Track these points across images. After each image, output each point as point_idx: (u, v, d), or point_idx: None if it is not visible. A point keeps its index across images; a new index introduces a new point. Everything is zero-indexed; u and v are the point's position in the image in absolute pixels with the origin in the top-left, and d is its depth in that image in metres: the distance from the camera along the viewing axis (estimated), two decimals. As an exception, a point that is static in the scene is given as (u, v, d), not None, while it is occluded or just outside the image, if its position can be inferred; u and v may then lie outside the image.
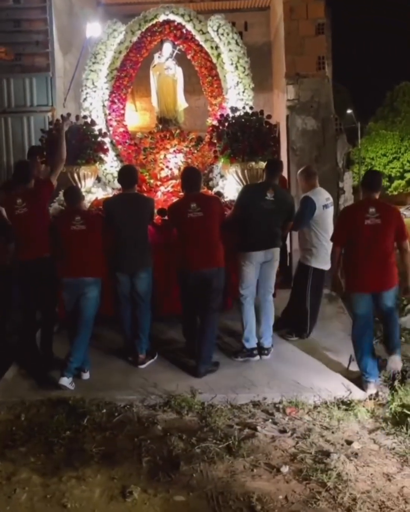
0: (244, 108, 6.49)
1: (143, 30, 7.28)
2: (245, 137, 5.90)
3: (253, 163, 6.00)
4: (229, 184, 6.61)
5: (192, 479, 3.31)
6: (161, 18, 7.22)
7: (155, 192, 6.75)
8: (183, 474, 3.36)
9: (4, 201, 5.07)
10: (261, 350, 5.07)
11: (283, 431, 3.91)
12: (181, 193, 5.44)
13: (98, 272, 4.75)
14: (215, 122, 6.73)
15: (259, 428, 3.95)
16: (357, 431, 3.90)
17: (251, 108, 6.36)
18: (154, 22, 7.27)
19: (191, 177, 4.97)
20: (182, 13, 7.15)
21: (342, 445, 3.70)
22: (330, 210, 5.47)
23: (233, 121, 6.15)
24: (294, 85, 7.15)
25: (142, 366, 4.95)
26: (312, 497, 3.09)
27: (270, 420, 4.09)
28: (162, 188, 6.83)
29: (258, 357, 5.03)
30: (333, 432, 3.87)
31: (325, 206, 5.35)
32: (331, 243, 5.21)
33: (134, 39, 7.32)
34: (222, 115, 6.50)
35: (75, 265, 4.68)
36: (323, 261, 5.33)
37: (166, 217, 5.46)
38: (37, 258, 4.80)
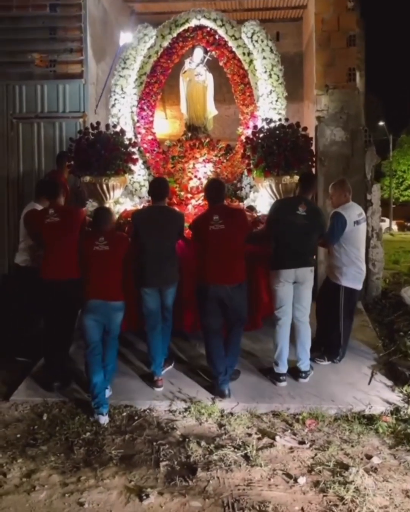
0: (279, 120, 6.27)
1: (174, 35, 7.20)
2: (281, 151, 5.70)
3: (288, 177, 5.78)
4: (261, 197, 6.46)
5: (209, 486, 3.32)
6: (193, 22, 7.11)
7: (186, 205, 6.65)
8: (200, 480, 3.38)
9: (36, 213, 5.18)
10: (299, 372, 4.86)
11: (302, 442, 3.89)
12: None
13: (122, 294, 4.59)
14: (248, 132, 6.56)
15: (277, 438, 3.94)
16: (377, 446, 3.86)
17: (287, 120, 6.17)
18: (185, 27, 7.17)
19: (215, 189, 4.87)
20: (214, 18, 7.05)
21: (361, 459, 3.67)
22: (363, 226, 5.23)
23: (267, 133, 5.94)
24: (324, 96, 7.13)
25: (159, 389, 4.72)
26: (328, 509, 3.07)
27: (289, 431, 4.08)
28: (193, 201, 6.73)
29: (284, 383, 4.77)
30: (352, 446, 3.84)
31: (357, 223, 5.09)
32: (363, 261, 5.13)
33: (165, 43, 7.24)
34: (255, 126, 6.32)
35: (99, 287, 4.48)
36: (354, 280, 5.11)
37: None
38: (68, 279, 4.75)
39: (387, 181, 41.26)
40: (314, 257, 5.18)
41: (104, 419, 4.20)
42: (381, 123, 40.44)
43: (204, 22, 7.11)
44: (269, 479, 3.40)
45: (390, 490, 3.28)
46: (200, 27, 7.17)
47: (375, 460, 3.63)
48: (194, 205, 6.65)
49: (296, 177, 5.71)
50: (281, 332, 4.82)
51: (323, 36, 7.27)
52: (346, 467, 3.52)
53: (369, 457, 3.69)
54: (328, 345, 5.27)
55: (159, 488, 3.30)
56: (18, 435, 4.03)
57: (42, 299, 4.87)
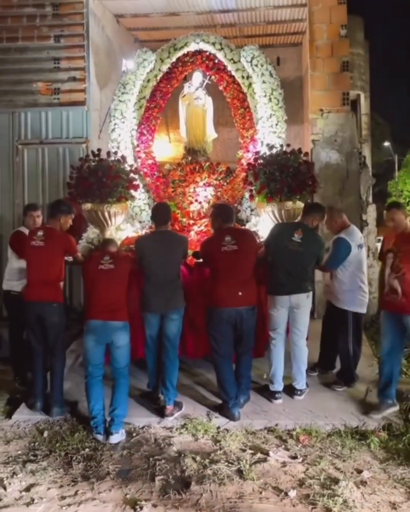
0: (281, 146, 6.30)
1: (173, 59, 7.21)
2: (283, 177, 5.73)
3: (290, 203, 5.79)
4: (263, 222, 6.41)
5: (201, 498, 3.42)
6: (192, 46, 7.10)
7: (188, 231, 6.65)
8: (194, 493, 3.48)
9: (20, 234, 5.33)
10: (294, 390, 4.95)
11: (294, 457, 3.99)
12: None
13: (126, 315, 4.56)
14: (249, 156, 6.63)
15: (271, 453, 4.04)
16: (368, 461, 3.95)
17: (288, 145, 6.20)
18: (185, 50, 7.17)
19: (225, 211, 4.92)
20: (213, 41, 7.04)
21: (352, 473, 3.76)
22: (364, 250, 5.33)
23: (269, 158, 5.95)
24: (319, 119, 7.34)
25: (170, 418, 4.63)
26: (316, 521, 3.17)
27: (283, 446, 4.18)
28: (195, 228, 6.75)
29: (280, 401, 4.86)
30: (344, 461, 3.93)
31: (360, 246, 5.16)
32: (367, 285, 5.20)
33: (164, 68, 7.20)
34: (257, 152, 6.31)
35: (102, 306, 4.47)
36: (360, 304, 5.16)
37: (201, 260, 5.22)
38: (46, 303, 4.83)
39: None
40: (312, 283, 5.20)
41: (101, 438, 4.30)
42: (386, 144, 40.81)
43: (203, 45, 7.09)
44: (260, 493, 3.50)
45: (378, 502, 3.37)
46: (200, 52, 7.17)
47: (365, 474, 3.72)
48: (197, 231, 6.67)
49: (299, 203, 5.78)
50: (276, 351, 4.90)
51: (317, 62, 7.51)
52: (336, 481, 3.62)
53: (359, 471, 3.78)
54: (340, 371, 5.31)
55: (154, 500, 3.41)
56: (19, 451, 4.16)
57: (24, 319, 4.96)
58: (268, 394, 4.94)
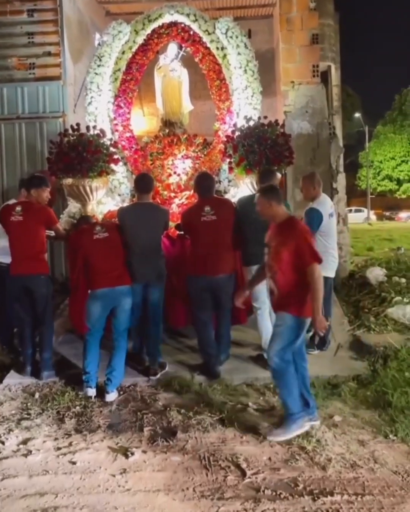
0: (259, 118, 6.35)
1: (148, 31, 7.18)
2: (261, 149, 5.81)
3: None
4: (241, 193, 6.29)
5: (187, 444, 3.72)
6: (166, 17, 7.11)
7: (170, 204, 6.72)
8: (180, 440, 3.78)
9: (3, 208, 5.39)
10: None
11: (272, 407, 4.31)
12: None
13: (129, 279, 4.75)
14: (226, 128, 6.71)
15: (250, 404, 4.36)
16: (339, 407, 4.28)
17: (265, 117, 6.26)
18: (159, 22, 7.17)
19: (206, 182, 5.03)
20: (187, 13, 7.07)
21: (324, 418, 4.09)
22: (334, 217, 5.51)
23: (247, 131, 6.02)
24: (290, 91, 7.54)
25: (155, 378, 4.89)
26: (292, 458, 3.50)
27: (261, 398, 4.50)
28: (176, 200, 6.81)
29: None
30: (317, 408, 4.25)
31: (330, 215, 5.34)
32: (336, 251, 5.41)
33: (139, 39, 7.18)
34: (235, 125, 6.38)
35: (107, 273, 4.64)
36: (329, 269, 5.28)
37: (182, 232, 5.40)
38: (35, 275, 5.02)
39: (364, 172, 42.01)
40: None
41: (92, 392, 4.57)
42: (357, 115, 41.19)
43: (177, 17, 7.10)
44: (241, 437, 3.81)
45: (348, 441, 3.71)
46: (175, 24, 7.16)
47: (337, 418, 4.06)
48: (178, 204, 6.77)
49: (278, 174, 5.82)
50: (263, 321, 5.04)
51: (287, 34, 7.66)
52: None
53: (331, 416, 4.11)
54: (313, 336, 5.41)
55: (143, 447, 3.70)
56: (13, 411, 4.40)
57: (10, 293, 5.18)
58: (265, 363, 4.84)
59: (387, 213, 41.51)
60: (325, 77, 16.89)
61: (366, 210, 37.99)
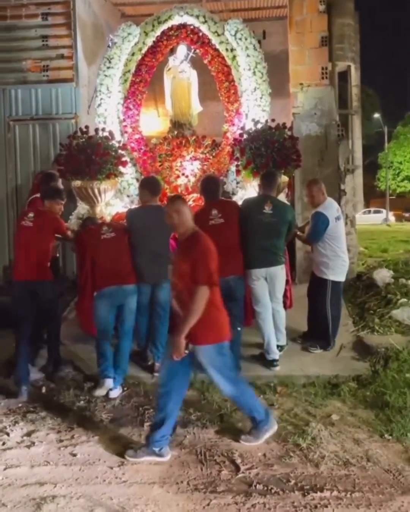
0: (266, 121, 6.41)
1: (158, 32, 7.25)
2: (269, 152, 5.86)
3: None
4: (249, 195, 6.27)
5: (185, 439, 3.83)
6: (176, 19, 7.18)
7: None
8: (178, 435, 3.87)
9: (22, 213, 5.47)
10: (281, 347, 5.24)
11: (271, 405, 4.38)
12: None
13: (135, 279, 4.87)
14: (234, 130, 6.75)
15: (250, 402, 4.43)
16: (338, 406, 4.35)
17: (273, 120, 6.27)
18: (169, 24, 7.23)
19: (212, 185, 5.06)
20: (196, 14, 7.11)
21: (322, 417, 4.16)
22: (342, 221, 5.51)
23: (254, 134, 6.06)
24: (299, 93, 7.60)
25: (157, 374, 4.83)
26: (286, 454, 3.58)
27: (261, 397, 4.55)
28: None
29: (278, 367, 5.05)
30: (316, 407, 4.33)
31: (337, 218, 5.36)
32: (346, 254, 5.45)
33: (149, 41, 7.28)
34: (242, 128, 6.41)
35: (114, 272, 4.75)
36: (339, 273, 5.38)
37: None
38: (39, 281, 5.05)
39: (383, 173, 41.65)
40: (285, 254, 5.38)
41: (109, 382, 4.64)
42: (376, 115, 40.87)
43: (187, 18, 7.15)
44: (239, 434, 3.89)
45: (343, 439, 3.78)
46: (184, 25, 7.23)
47: (334, 417, 4.13)
48: None
49: (284, 177, 5.92)
50: (265, 324, 5.09)
51: (297, 37, 7.72)
52: (307, 422, 4.02)
53: (329, 415, 4.18)
54: (318, 335, 5.52)
55: (142, 442, 3.79)
56: (20, 404, 4.54)
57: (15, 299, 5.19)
58: (266, 363, 5.12)
59: (407, 214, 41.11)
60: (344, 77, 16.88)
61: (385, 211, 37.68)
